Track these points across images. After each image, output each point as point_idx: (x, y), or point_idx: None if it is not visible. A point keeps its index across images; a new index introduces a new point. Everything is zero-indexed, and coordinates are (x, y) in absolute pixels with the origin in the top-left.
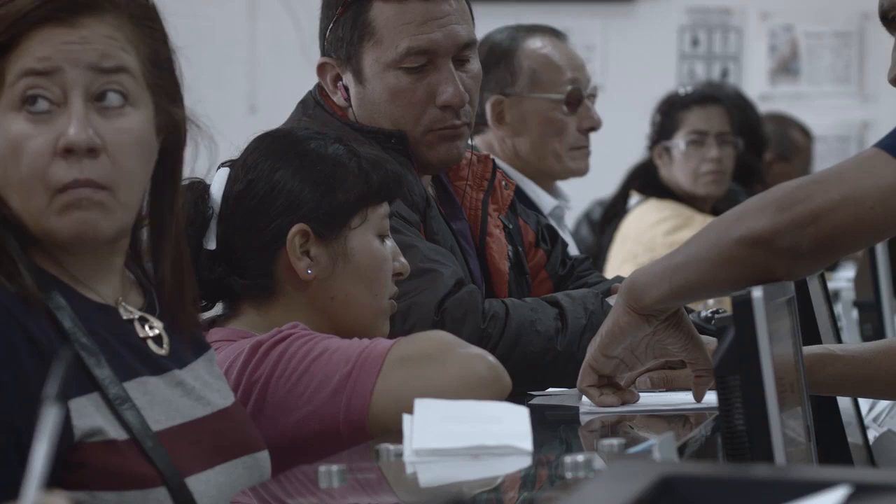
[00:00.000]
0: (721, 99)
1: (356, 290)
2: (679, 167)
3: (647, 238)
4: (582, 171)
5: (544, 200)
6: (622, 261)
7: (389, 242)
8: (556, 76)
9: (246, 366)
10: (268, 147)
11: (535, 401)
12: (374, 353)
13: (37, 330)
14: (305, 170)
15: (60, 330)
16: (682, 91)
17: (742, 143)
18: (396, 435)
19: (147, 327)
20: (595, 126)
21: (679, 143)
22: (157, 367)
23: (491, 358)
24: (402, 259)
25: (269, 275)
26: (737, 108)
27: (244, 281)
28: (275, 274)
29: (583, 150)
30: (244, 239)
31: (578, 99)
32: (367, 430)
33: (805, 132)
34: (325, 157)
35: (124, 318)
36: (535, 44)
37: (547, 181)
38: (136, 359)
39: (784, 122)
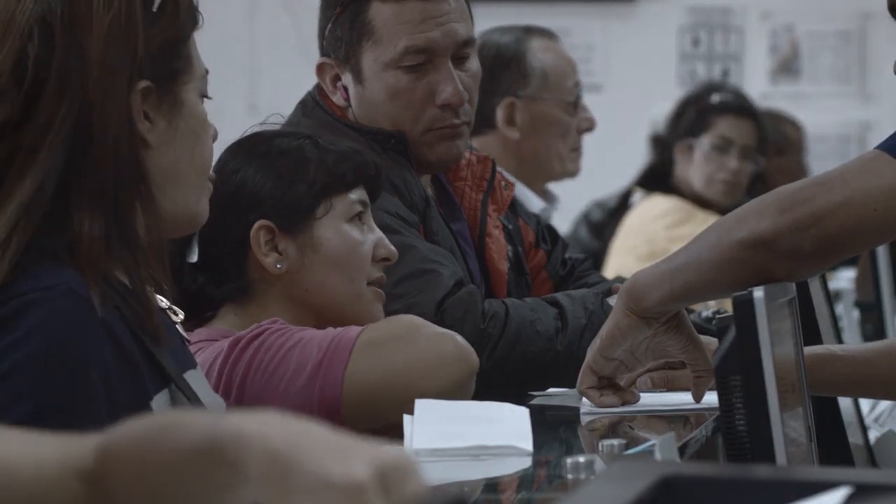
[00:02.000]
0: (757, 115)
1: (328, 279)
2: (697, 167)
3: (647, 231)
4: (576, 173)
5: (532, 203)
6: (622, 253)
7: (372, 231)
8: (563, 78)
9: (226, 362)
10: (234, 150)
11: (535, 401)
12: (345, 339)
13: (116, 329)
14: (266, 166)
15: (129, 329)
16: (718, 96)
17: (763, 163)
18: (384, 429)
19: (172, 314)
20: (592, 127)
21: (704, 144)
22: (191, 361)
23: (459, 338)
24: (389, 245)
25: (243, 276)
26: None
27: (224, 286)
28: (248, 274)
29: (577, 150)
30: (217, 244)
31: (578, 101)
32: (341, 416)
33: (796, 126)
34: (286, 151)
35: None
36: (541, 45)
37: (541, 183)
38: (181, 351)
39: (777, 119)
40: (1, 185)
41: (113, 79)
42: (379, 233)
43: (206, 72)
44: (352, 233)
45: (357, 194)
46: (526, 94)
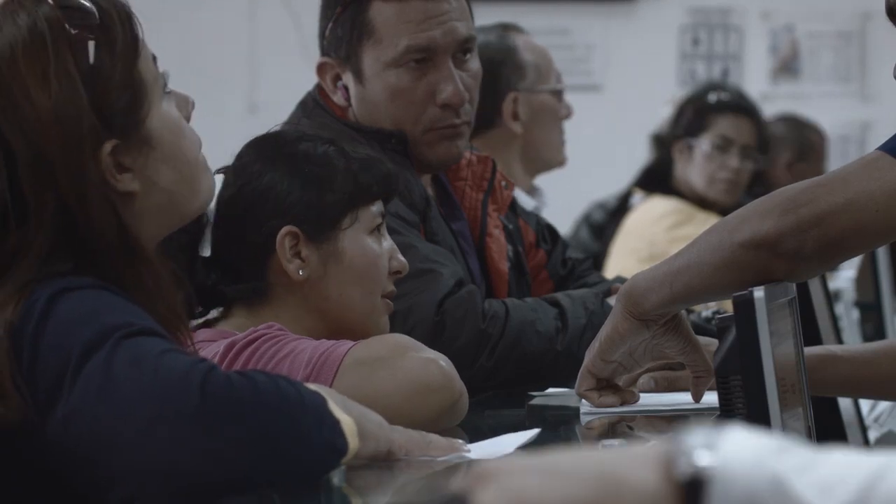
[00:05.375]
0: (755, 113)
1: (349, 290)
2: (697, 167)
3: (649, 233)
4: (564, 162)
5: (522, 201)
6: (623, 255)
7: (386, 242)
8: (550, 69)
9: (219, 365)
10: (257, 150)
11: (535, 401)
12: (333, 356)
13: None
14: (294, 172)
15: None
16: (715, 95)
17: (763, 161)
18: None
19: None
20: (570, 114)
21: (704, 144)
22: None
23: (444, 363)
24: (401, 257)
25: (261, 278)
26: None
27: (237, 286)
28: (267, 277)
29: (563, 140)
30: (236, 244)
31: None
32: None
33: (819, 133)
34: (314, 158)
35: None
36: (524, 39)
37: (533, 178)
38: None
39: (799, 125)
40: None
41: (78, 161)
42: (392, 244)
43: (155, 60)
44: (373, 246)
45: (378, 206)
46: (524, 87)
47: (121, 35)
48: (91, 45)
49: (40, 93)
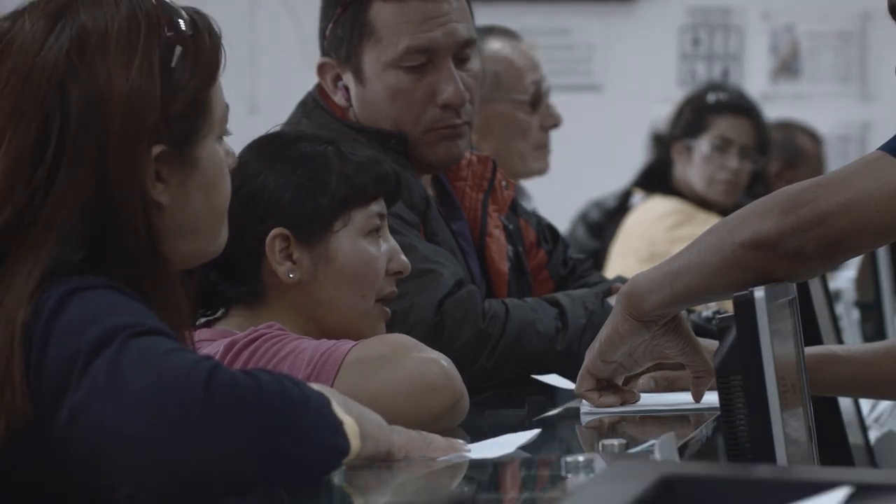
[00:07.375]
0: (754, 113)
1: (341, 293)
2: (696, 168)
3: (649, 233)
4: (543, 171)
5: None
6: (623, 255)
7: (385, 243)
8: (518, 78)
9: None
10: (256, 151)
11: (534, 399)
12: (335, 355)
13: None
14: (287, 173)
15: None
16: (714, 95)
17: (763, 162)
18: None
19: None
20: (557, 123)
21: (703, 144)
22: None
23: (445, 362)
24: (403, 258)
25: (256, 280)
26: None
27: (236, 287)
28: (262, 278)
29: (544, 149)
30: (231, 244)
31: (540, 98)
32: None
33: (813, 136)
34: (309, 159)
35: None
36: (495, 46)
37: None
38: None
39: (790, 129)
40: (7, 254)
41: (131, 151)
42: (394, 244)
43: (227, 107)
44: (368, 248)
45: (376, 206)
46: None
47: (206, 54)
48: (178, 50)
49: (120, 74)
